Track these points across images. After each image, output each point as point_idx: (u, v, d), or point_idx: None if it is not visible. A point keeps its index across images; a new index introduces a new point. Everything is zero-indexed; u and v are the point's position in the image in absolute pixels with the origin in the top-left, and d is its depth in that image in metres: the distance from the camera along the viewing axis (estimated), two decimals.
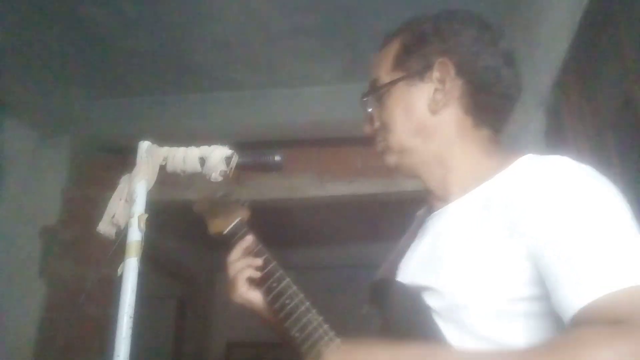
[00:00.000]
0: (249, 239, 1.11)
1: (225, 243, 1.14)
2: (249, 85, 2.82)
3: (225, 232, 1.16)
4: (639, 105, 1.13)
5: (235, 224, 1.16)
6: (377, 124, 0.98)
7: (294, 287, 0.99)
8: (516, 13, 2.16)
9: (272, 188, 2.96)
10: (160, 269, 4.11)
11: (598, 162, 1.38)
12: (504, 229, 0.77)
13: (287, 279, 1.01)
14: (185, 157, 0.90)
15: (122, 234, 0.86)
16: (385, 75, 0.96)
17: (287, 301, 0.97)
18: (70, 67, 2.67)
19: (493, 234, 0.78)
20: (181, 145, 0.92)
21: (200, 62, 2.62)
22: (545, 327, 0.75)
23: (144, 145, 0.90)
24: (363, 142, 1.07)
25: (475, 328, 0.77)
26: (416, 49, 0.95)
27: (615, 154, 1.28)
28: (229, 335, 4.93)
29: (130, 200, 0.86)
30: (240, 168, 0.91)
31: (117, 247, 0.86)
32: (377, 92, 0.97)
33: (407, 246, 0.94)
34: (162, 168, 0.90)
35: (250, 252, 1.09)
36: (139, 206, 0.85)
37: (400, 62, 0.95)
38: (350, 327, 0.82)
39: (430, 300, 0.82)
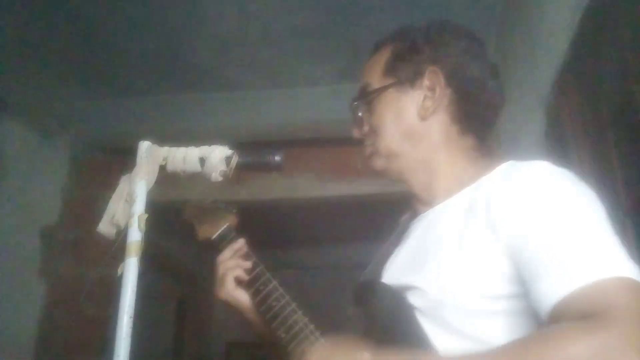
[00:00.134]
0: (240, 242, 1.16)
1: (214, 248, 1.17)
2: (249, 85, 2.82)
3: (213, 237, 1.19)
4: (639, 105, 1.13)
5: (223, 230, 1.20)
6: (366, 128, 1.01)
7: (281, 290, 1.04)
8: (516, 13, 2.16)
9: (272, 188, 2.96)
10: (160, 269, 4.11)
11: (598, 162, 1.38)
12: (485, 230, 0.80)
13: (274, 282, 1.06)
14: (185, 157, 0.90)
15: (122, 234, 0.86)
16: (376, 81, 1.00)
17: (274, 303, 1.02)
18: (70, 67, 2.67)
19: (475, 234, 0.81)
20: (181, 145, 0.92)
21: (200, 62, 2.62)
22: (524, 324, 0.77)
23: (144, 145, 0.90)
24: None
25: (456, 325, 0.80)
26: (407, 57, 0.98)
27: (615, 154, 1.28)
28: (229, 335, 4.93)
29: (130, 200, 0.86)
30: (240, 168, 0.91)
31: (117, 247, 0.86)
32: (368, 97, 1.00)
33: (392, 249, 0.97)
34: (162, 168, 0.90)
35: (239, 255, 1.14)
36: (139, 206, 0.85)
37: (391, 69, 0.98)
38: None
39: (413, 299, 0.84)
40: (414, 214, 1.01)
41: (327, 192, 2.92)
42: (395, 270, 0.91)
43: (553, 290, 0.68)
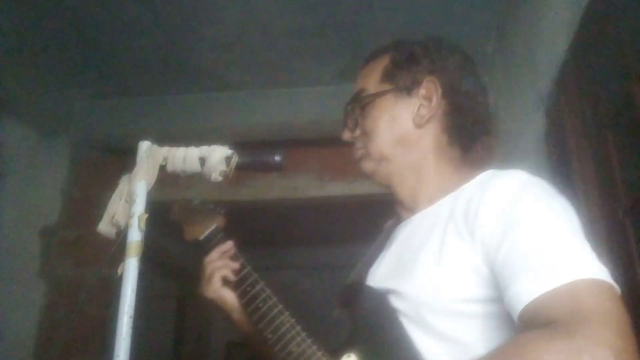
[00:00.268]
0: (228, 244, 1.18)
1: (202, 249, 1.18)
2: (249, 85, 2.82)
3: (201, 238, 1.20)
4: (639, 105, 1.13)
5: (211, 231, 1.20)
6: (357, 131, 1.04)
7: (268, 291, 1.06)
8: (516, 13, 2.16)
9: (272, 188, 2.96)
10: (160, 269, 4.11)
11: (598, 162, 1.38)
12: (464, 235, 0.83)
13: (261, 283, 1.08)
14: (185, 157, 0.90)
15: (122, 234, 0.86)
16: (372, 86, 1.03)
17: (261, 304, 1.04)
18: (71, 67, 2.67)
19: (454, 240, 0.84)
20: (181, 145, 0.92)
21: (200, 62, 2.62)
22: (502, 327, 0.79)
23: (144, 145, 0.90)
24: None
25: (436, 327, 0.82)
26: (406, 66, 1.02)
27: (615, 154, 1.28)
28: (229, 335, 4.93)
29: (130, 200, 0.86)
30: (240, 168, 0.91)
31: (117, 247, 0.86)
32: (363, 100, 1.03)
33: (376, 254, 1.01)
34: (162, 168, 0.90)
35: (228, 256, 1.15)
36: (139, 206, 0.85)
37: (389, 76, 1.02)
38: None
39: (396, 302, 0.87)
40: (398, 220, 1.04)
41: (327, 192, 2.92)
42: (380, 275, 0.95)
43: (524, 292, 0.70)
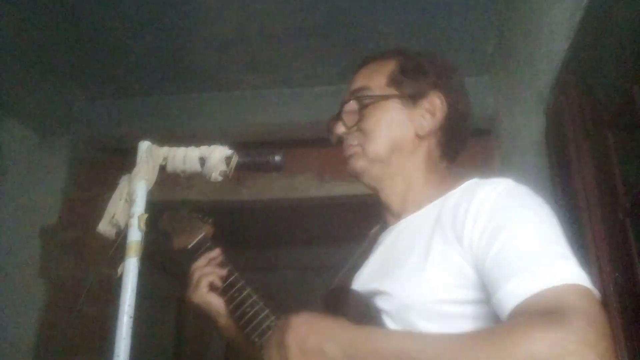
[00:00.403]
0: (216, 252, 1.21)
1: (191, 257, 1.21)
2: (249, 85, 2.82)
3: (189, 247, 1.23)
4: (639, 105, 1.13)
5: (199, 239, 1.23)
6: (354, 128, 1.04)
7: (255, 297, 1.09)
8: (516, 13, 2.16)
9: (272, 188, 2.96)
10: (160, 269, 4.11)
11: (598, 162, 1.38)
12: (451, 239, 0.86)
13: (248, 289, 1.12)
14: (185, 157, 0.90)
15: (122, 234, 0.86)
16: (377, 87, 1.05)
17: (248, 309, 1.07)
18: (70, 67, 2.67)
19: (441, 243, 0.87)
20: (181, 145, 0.92)
21: (200, 62, 2.62)
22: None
23: (144, 145, 0.90)
24: None
25: (421, 327, 0.84)
26: (413, 75, 1.05)
27: (615, 154, 1.28)
28: None
29: (130, 200, 0.86)
30: (240, 168, 0.91)
31: (117, 247, 0.87)
32: (367, 99, 1.03)
33: (361, 260, 1.04)
34: (162, 168, 0.91)
35: (215, 263, 1.19)
36: (139, 206, 0.85)
37: (395, 81, 1.04)
38: None
39: (381, 303, 0.89)
40: (383, 227, 1.07)
41: (327, 192, 2.92)
42: (365, 278, 0.97)
43: (513, 294, 0.73)
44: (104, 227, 0.88)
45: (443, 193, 0.96)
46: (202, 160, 0.90)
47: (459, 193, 0.93)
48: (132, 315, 0.78)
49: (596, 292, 0.75)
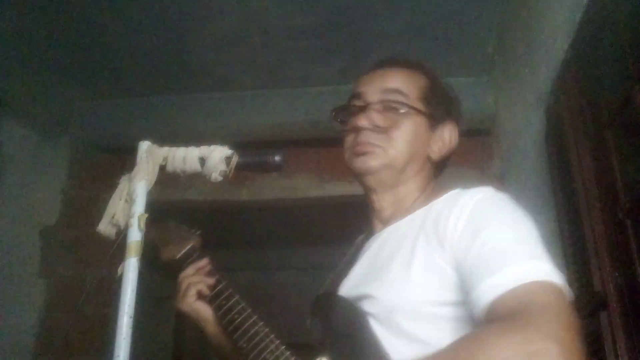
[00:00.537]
0: (204, 261, 1.22)
1: (178, 269, 1.23)
2: (249, 85, 2.82)
3: (177, 257, 1.24)
4: (638, 105, 1.13)
5: (187, 250, 1.25)
6: (380, 128, 1.03)
7: (243, 304, 1.11)
8: (516, 13, 2.16)
9: (272, 188, 2.96)
10: (160, 269, 4.11)
11: (598, 162, 1.38)
12: (434, 244, 0.89)
13: (236, 297, 1.13)
14: (185, 157, 0.90)
15: (122, 234, 0.86)
16: (412, 97, 1.06)
17: (236, 316, 1.09)
18: (71, 67, 2.67)
19: (425, 248, 0.91)
20: (181, 145, 0.92)
21: (200, 62, 2.62)
22: (468, 329, 0.84)
23: (144, 145, 0.90)
24: None
25: (407, 329, 0.87)
26: (440, 100, 1.09)
27: (615, 154, 1.28)
28: None
29: (130, 200, 0.86)
30: (240, 168, 0.91)
31: (117, 247, 0.86)
32: (405, 107, 1.04)
33: (348, 266, 1.05)
34: (162, 168, 0.90)
35: (203, 272, 1.20)
36: (139, 206, 0.85)
37: (426, 99, 1.07)
38: None
39: (367, 306, 0.92)
40: (369, 234, 1.09)
41: (327, 192, 2.92)
42: (351, 284, 0.99)
43: (487, 292, 0.77)
44: (104, 227, 0.88)
45: (428, 202, 1.01)
46: (202, 160, 0.90)
47: (443, 201, 0.97)
48: (132, 315, 0.78)
49: (567, 289, 0.78)
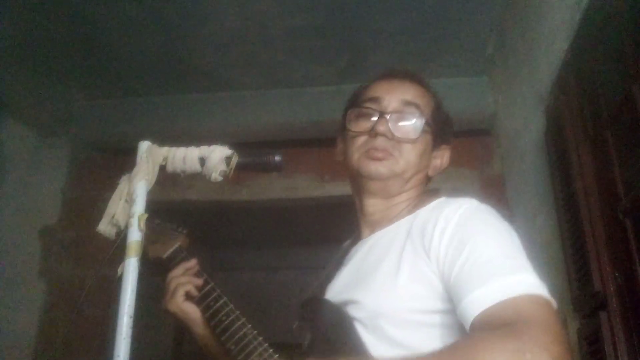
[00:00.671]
0: (192, 262, 1.23)
1: (164, 268, 1.23)
2: (249, 85, 2.82)
3: (164, 256, 1.24)
4: (639, 105, 1.13)
5: (174, 250, 1.25)
6: (396, 136, 1.06)
7: (231, 306, 1.12)
8: (516, 13, 2.16)
9: (272, 188, 2.96)
10: (161, 269, 4.11)
11: (598, 162, 1.38)
12: (421, 252, 0.92)
13: (224, 299, 1.14)
14: (185, 157, 0.90)
15: (122, 234, 0.86)
16: (426, 115, 1.09)
17: (224, 318, 1.10)
18: (70, 67, 2.67)
19: (412, 256, 0.93)
20: (181, 145, 0.92)
21: (200, 62, 2.62)
22: (452, 336, 0.87)
23: (144, 145, 0.90)
24: None
25: (392, 335, 0.89)
26: (444, 122, 1.14)
27: (615, 154, 1.28)
28: None
29: (130, 200, 0.86)
30: (240, 168, 0.91)
31: (117, 247, 0.86)
32: (420, 123, 1.07)
33: (334, 271, 1.08)
34: (162, 168, 0.90)
35: (191, 273, 1.21)
36: (139, 206, 0.85)
37: (435, 119, 1.11)
38: None
39: (353, 311, 0.94)
40: (356, 240, 1.12)
41: (327, 192, 2.92)
42: (337, 289, 1.01)
43: (476, 303, 0.79)
44: (104, 227, 0.88)
45: (414, 210, 1.04)
46: (202, 160, 0.90)
47: (428, 210, 0.99)
48: (132, 315, 0.78)
49: (553, 302, 0.80)
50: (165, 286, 1.21)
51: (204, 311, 1.16)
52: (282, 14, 2.30)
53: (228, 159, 0.90)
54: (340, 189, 2.88)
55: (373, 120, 1.07)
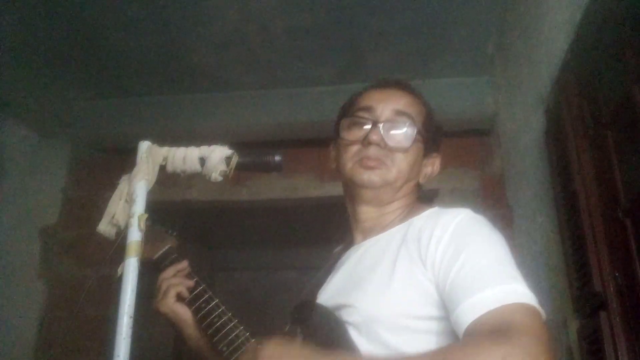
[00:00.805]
0: (183, 263, 1.24)
1: (155, 268, 1.24)
2: (249, 85, 2.82)
3: (154, 257, 1.25)
4: (638, 105, 1.13)
5: (165, 251, 1.26)
6: (388, 145, 1.08)
7: (222, 307, 1.13)
8: (516, 13, 2.16)
9: (272, 188, 2.96)
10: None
11: (598, 162, 1.38)
12: (416, 260, 0.94)
13: (216, 300, 1.15)
14: (185, 157, 0.90)
15: (122, 234, 0.86)
16: (418, 125, 1.11)
17: (216, 319, 1.11)
18: (71, 67, 2.67)
19: (406, 263, 0.95)
20: (181, 145, 0.92)
21: (200, 62, 2.62)
22: (444, 342, 0.90)
23: (144, 145, 0.90)
24: None
25: (386, 340, 0.91)
26: (435, 132, 1.16)
27: (615, 154, 1.28)
28: None
29: (130, 200, 0.86)
30: (240, 168, 0.91)
31: (117, 247, 0.87)
32: (412, 133, 1.09)
33: (326, 276, 1.10)
34: (162, 168, 0.91)
35: (182, 274, 1.22)
36: (139, 206, 0.85)
37: (426, 128, 1.13)
38: None
39: (346, 315, 0.96)
40: (348, 245, 1.14)
41: (327, 192, 2.92)
42: (330, 293, 1.03)
43: (470, 311, 0.82)
44: (104, 227, 0.88)
45: (407, 218, 1.06)
46: (202, 160, 0.90)
47: (423, 219, 1.02)
48: (132, 315, 0.78)
49: (542, 312, 0.83)
50: (156, 287, 1.22)
51: (195, 313, 1.16)
52: (282, 14, 2.30)
53: (228, 159, 0.90)
54: (340, 189, 2.85)
55: (366, 129, 1.09)
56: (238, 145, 0.92)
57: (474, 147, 2.79)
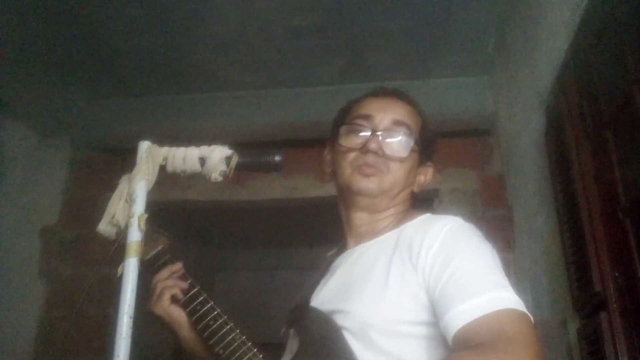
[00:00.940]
0: (177, 265, 1.23)
1: (148, 269, 1.21)
2: (249, 85, 2.82)
3: (146, 258, 1.22)
4: (638, 105, 1.13)
5: (157, 252, 1.24)
6: (386, 154, 1.09)
7: (218, 310, 1.12)
8: (516, 13, 2.16)
9: (272, 188, 2.96)
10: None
11: (598, 162, 1.38)
12: (408, 266, 0.96)
13: (211, 303, 1.14)
14: (185, 157, 0.90)
15: (122, 234, 0.86)
16: (415, 135, 1.13)
17: (211, 322, 1.10)
18: (71, 67, 2.67)
19: (399, 269, 0.96)
20: (181, 145, 0.92)
21: (200, 62, 2.62)
22: (437, 347, 0.91)
23: (144, 145, 0.90)
24: None
25: (380, 344, 0.93)
26: (429, 142, 1.18)
27: (615, 154, 1.28)
28: None
29: (130, 200, 0.86)
30: (240, 168, 0.91)
31: (117, 247, 0.87)
32: (409, 143, 1.11)
33: (320, 280, 1.11)
34: (162, 168, 0.90)
35: (177, 276, 1.21)
36: (139, 206, 0.85)
37: (421, 138, 1.15)
38: None
39: (341, 321, 0.97)
40: (341, 250, 1.16)
41: (327, 192, 2.91)
42: (325, 297, 1.04)
43: (458, 318, 0.84)
44: (104, 227, 0.88)
45: (399, 225, 1.08)
46: (202, 160, 0.90)
47: (415, 226, 1.04)
48: (132, 315, 0.78)
49: (530, 316, 0.85)
50: (150, 289, 1.21)
51: (190, 315, 1.15)
52: (282, 14, 2.30)
53: (228, 159, 0.90)
54: None
55: (364, 137, 1.10)
56: (238, 145, 0.92)
57: (474, 147, 2.78)
